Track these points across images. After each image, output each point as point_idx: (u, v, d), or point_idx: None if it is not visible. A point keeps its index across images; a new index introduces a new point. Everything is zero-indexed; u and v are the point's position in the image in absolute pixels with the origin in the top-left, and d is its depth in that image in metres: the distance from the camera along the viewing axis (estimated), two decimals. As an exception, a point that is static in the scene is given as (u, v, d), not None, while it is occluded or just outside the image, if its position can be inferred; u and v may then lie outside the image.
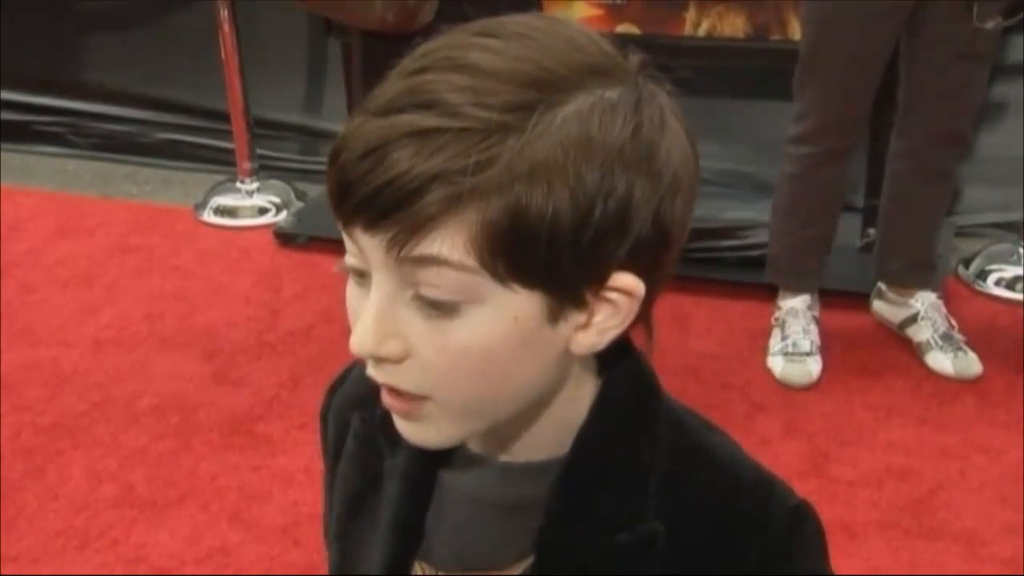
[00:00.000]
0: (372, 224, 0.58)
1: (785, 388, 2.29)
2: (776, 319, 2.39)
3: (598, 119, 0.58)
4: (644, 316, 0.64)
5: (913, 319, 2.38)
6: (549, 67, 0.59)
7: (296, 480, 2.06)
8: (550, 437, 0.67)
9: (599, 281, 0.61)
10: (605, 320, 0.62)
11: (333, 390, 0.79)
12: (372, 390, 0.68)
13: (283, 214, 3.03)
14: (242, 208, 3.06)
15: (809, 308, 2.39)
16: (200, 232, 2.99)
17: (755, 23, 2.68)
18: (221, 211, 3.06)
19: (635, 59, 0.62)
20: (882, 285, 2.45)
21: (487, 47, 0.59)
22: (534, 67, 0.58)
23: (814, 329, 2.36)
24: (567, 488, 0.66)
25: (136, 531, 1.96)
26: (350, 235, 0.61)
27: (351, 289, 0.63)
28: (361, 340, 0.61)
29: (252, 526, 1.96)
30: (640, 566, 0.65)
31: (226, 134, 3.14)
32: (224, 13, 2.96)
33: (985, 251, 2.71)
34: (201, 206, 3.08)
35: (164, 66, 3.33)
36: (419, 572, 0.71)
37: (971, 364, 2.30)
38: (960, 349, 2.32)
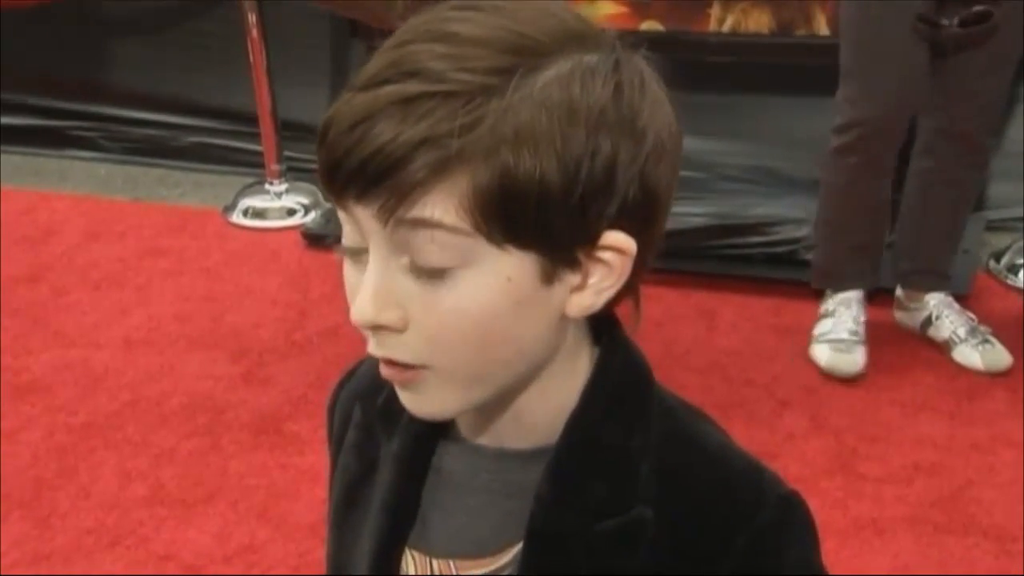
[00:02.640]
0: (363, 193, 0.60)
1: (812, 384, 2.28)
2: (826, 309, 2.37)
3: (579, 82, 0.60)
4: (634, 287, 0.65)
5: (930, 320, 2.36)
6: (527, 33, 0.60)
7: (323, 478, 2.05)
8: (542, 422, 0.67)
9: (591, 240, 0.62)
10: (600, 281, 0.63)
11: (342, 384, 0.80)
12: (375, 382, 0.69)
13: (311, 215, 3.05)
14: (270, 210, 3.09)
15: (861, 301, 2.37)
16: (229, 234, 3.02)
17: (780, 19, 2.66)
18: (250, 213, 3.09)
19: (610, 31, 0.64)
20: (899, 294, 2.43)
21: (466, 18, 0.61)
22: (513, 34, 0.60)
23: (863, 321, 2.35)
24: (557, 474, 0.66)
25: (166, 529, 1.98)
26: (344, 210, 0.62)
27: (348, 269, 0.64)
28: (362, 309, 0.62)
29: (280, 524, 1.98)
30: (628, 552, 0.66)
31: (254, 137, 3.16)
32: (252, 18, 2.99)
33: (1015, 245, 2.68)
34: (230, 208, 3.11)
35: (193, 71, 3.36)
36: (411, 559, 0.72)
37: (1000, 356, 2.28)
38: (987, 342, 2.30)
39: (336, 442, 0.78)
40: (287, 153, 3.16)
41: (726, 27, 2.70)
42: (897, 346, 2.38)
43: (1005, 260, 2.66)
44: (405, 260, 0.61)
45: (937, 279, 2.39)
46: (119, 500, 2.05)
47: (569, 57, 0.60)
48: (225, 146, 3.37)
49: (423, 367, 0.63)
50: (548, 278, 0.62)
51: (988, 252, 2.69)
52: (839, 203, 2.32)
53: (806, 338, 2.39)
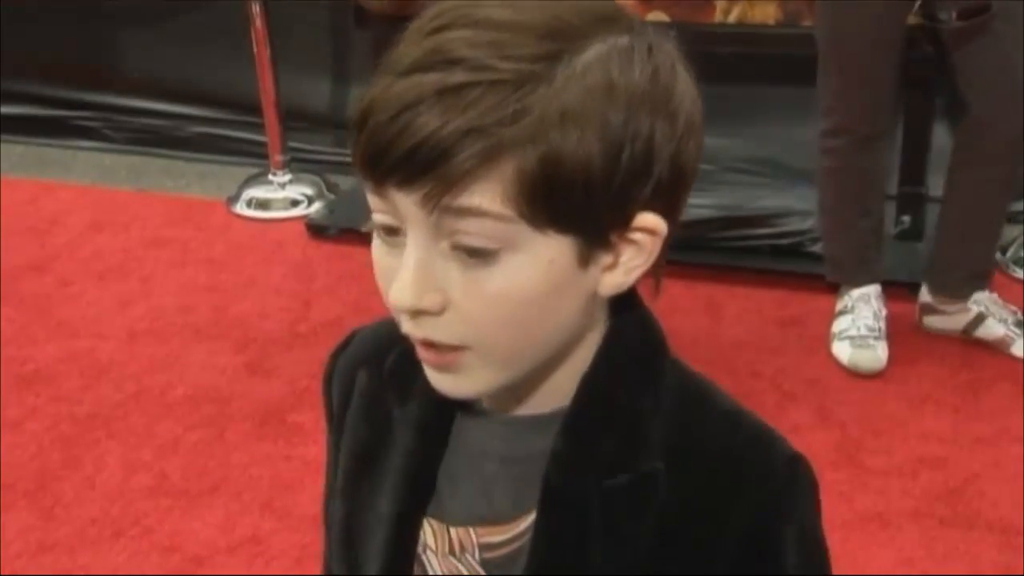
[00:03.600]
0: (407, 182, 0.60)
1: (817, 377, 2.27)
2: (844, 306, 2.36)
3: (617, 65, 0.61)
4: (659, 260, 0.66)
5: (979, 320, 2.33)
6: (563, 17, 0.61)
7: (328, 470, 2.07)
8: (558, 388, 0.68)
9: (625, 222, 0.63)
10: (631, 260, 0.65)
11: (336, 355, 0.80)
12: (379, 347, 0.70)
13: (315, 206, 3.05)
14: (274, 200, 3.08)
15: (879, 296, 2.36)
16: (233, 224, 3.01)
17: (786, 9, 2.65)
18: (254, 203, 3.08)
19: (635, 15, 0.65)
20: (930, 300, 2.37)
21: (498, 3, 0.61)
22: (549, 18, 0.60)
23: (884, 316, 2.33)
24: (571, 432, 0.67)
25: (170, 520, 1.98)
26: (381, 194, 0.62)
27: (379, 247, 0.65)
28: (401, 294, 0.62)
29: (284, 515, 1.98)
30: (640, 509, 0.66)
31: (258, 127, 3.16)
32: (256, 8, 2.98)
33: (1021, 238, 2.68)
34: (234, 199, 3.11)
35: (197, 61, 3.36)
36: (429, 529, 0.72)
37: None
38: None
39: (338, 412, 0.78)
40: (291, 144, 3.16)
41: (732, 18, 2.69)
42: (903, 340, 2.37)
43: (1011, 252, 2.65)
44: (445, 244, 0.61)
45: (982, 280, 2.36)
46: (123, 491, 2.05)
47: (604, 40, 0.61)
48: (229, 136, 3.37)
49: (462, 348, 0.63)
50: (584, 260, 0.63)
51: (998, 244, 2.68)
52: (837, 186, 2.32)
53: (812, 330, 2.39)
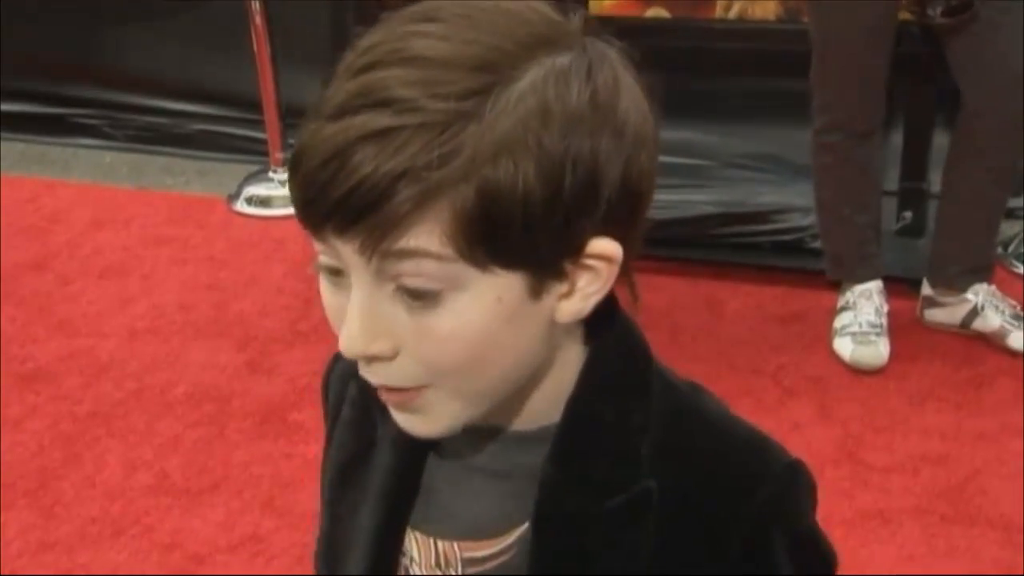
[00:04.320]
0: (344, 229, 0.58)
1: (818, 374, 2.27)
2: (846, 302, 2.35)
3: (553, 89, 0.59)
4: (626, 275, 0.64)
5: (975, 312, 2.32)
6: (497, 45, 0.59)
7: (328, 467, 2.07)
8: (542, 406, 0.67)
9: (577, 251, 0.61)
10: (587, 286, 0.63)
11: (333, 363, 0.79)
12: None
13: (316, 203, 3.04)
14: (275, 198, 3.08)
15: (881, 292, 2.36)
16: (234, 222, 3.01)
17: (787, 5, 2.65)
18: (254, 201, 3.08)
19: (576, 18, 0.62)
20: (930, 292, 2.38)
21: (430, 33, 0.59)
22: (482, 48, 0.58)
23: (886, 312, 2.33)
24: (560, 456, 0.66)
25: (170, 518, 1.98)
26: (321, 240, 0.60)
27: (326, 288, 0.63)
28: (351, 343, 0.61)
29: (285, 513, 1.98)
30: (636, 526, 0.66)
31: (259, 125, 3.16)
32: (256, 5, 2.98)
33: (1023, 233, 2.67)
34: (235, 196, 3.10)
35: (197, 58, 3.35)
36: (415, 540, 0.71)
37: None
38: None
39: (332, 418, 0.78)
40: (292, 141, 3.14)
41: (732, 14, 2.68)
42: (904, 336, 2.36)
43: (1012, 247, 2.65)
44: (391, 287, 0.60)
45: (983, 272, 2.36)
46: (124, 489, 2.05)
47: (541, 63, 0.59)
48: (230, 134, 3.37)
49: (422, 387, 0.63)
50: (536, 292, 0.61)
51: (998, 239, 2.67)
52: (834, 182, 2.32)
53: (813, 327, 2.38)
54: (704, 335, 2.38)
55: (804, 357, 2.32)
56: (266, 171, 3.14)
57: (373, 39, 0.60)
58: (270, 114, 3.09)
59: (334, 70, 0.62)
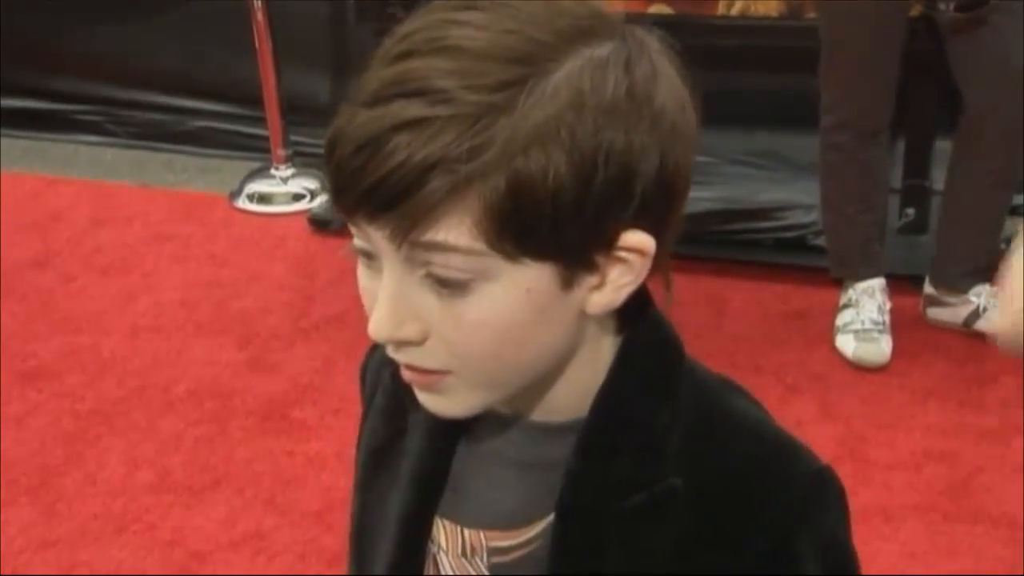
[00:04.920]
0: (375, 216, 0.59)
1: (821, 371, 2.27)
2: (848, 299, 2.35)
3: (588, 80, 0.58)
4: (661, 267, 0.64)
5: (977, 313, 2.32)
6: (535, 37, 0.58)
7: (330, 465, 2.07)
8: (571, 398, 0.67)
9: (609, 243, 0.61)
10: (619, 278, 0.63)
11: (372, 349, 0.79)
12: None
13: (317, 200, 3.04)
14: (277, 195, 3.08)
15: (884, 289, 2.35)
16: (235, 219, 3.01)
17: (789, 2, 2.64)
18: (256, 198, 3.08)
19: (619, 16, 0.62)
20: (932, 291, 2.37)
21: (467, 22, 0.59)
22: (520, 39, 0.58)
23: (888, 309, 2.33)
24: (586, 451, 0.66)
25: (172, 516, 1.98)
26: (354, 225, 0.61)
27: (362, 271, 0.64)
28: (379, 327, 0.61)
29: (287, 511, 1.97)
30: (658, 525, 0.65)
31: (260, 122, 3.15)
32: (257, 2, 2.97)
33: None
34: (236, 193, 3.10)
35: (199, 55, 3.35)
36: (442, 528, 0.72)
37: None
38: None
39: (366, 405, 0.78)
40: (293, 138, 3.15)
41: (735, 11, 2.68)
42: (906, 333, 2.36)
43: (1014, 244, 2.64)
44: (421, 272, 0.60)
45: (984, 273, 2.35)
46: (126, 486, 2.05)
47: (579, 54, 0.59)
48: (231, 131, 3.36)
49: (445, 371, 0.63)
50: (567, 283, 0.61)
51: (1001, 237, 2.67)
52: (840, 181, 2.32)
53: (816, 324, 2.38)
54: (706, 332, 2.37)
55: (806, 354, 2.31)
56: (268, 168, 3.13)
57: (412, 26, 0.60)
58: (272, 111, 3.08)
59: (339, 66, 0.61)
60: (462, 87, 0.56)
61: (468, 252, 0.58)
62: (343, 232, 2.68)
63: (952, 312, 2.35)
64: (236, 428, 2.19)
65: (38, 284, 2.70)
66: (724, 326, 2.42)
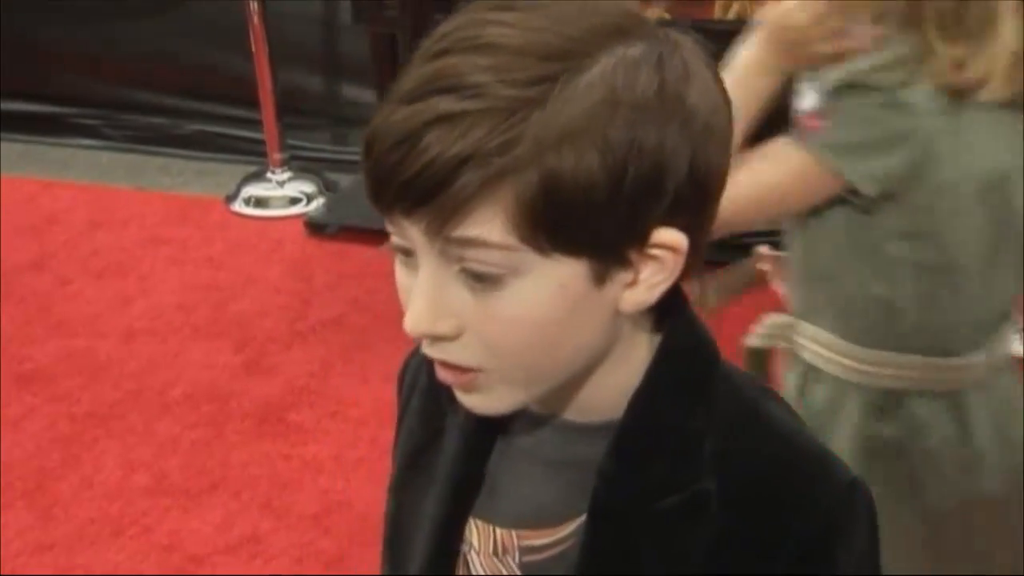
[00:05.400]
0: (410, 211, 0.60)
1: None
2: None
3: (621, 78, 0.59)
4: (695, 267, 0.64)
5: None
6: (568, 34, 0.59)
7: (327, 468, 2.07)
8: (606, 399, 0.67)
9: (641, 239, 0.61)
10: (652, 276, 0.63)
11: (413, 353, 0.79)
12: None
13: (314, 204, 3.05)
14: (273, 198, 3.08)
15: None
16: (232, 222, 3.01)
17: (786, 6, 2.65)
18: (252, 201, 3.08)
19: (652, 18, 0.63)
20: None
21: (504, 22, 0.60)
22: (553, 37, 0.59)
23: None
24: (620, 453, 0.66)
25: (169, 519, 1.97)
26: (391, 222, 0.62)
27: (399, 268, 0.65)
28: (416, 321, 0.62)
29: (283, 514, 1.98)
30: (690, 529, 0.65)
31: (257, 125, 3.15)
32: (254, 5, 2.98)
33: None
34: (233, 197, 3.10)
35: (195, 59, 3.35)
36: (475, 528, 0.72)
37: None
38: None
39: (403, 407, 0.79)
40: (290, 141, 3.16)
41: (732, 14, 2.68)
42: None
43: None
44: (456, 268, 0.61)
45: None
46: (122, 490, 2.05)
47: (612, 53, 0.60)
48: (228, 134, 3.36)
49: (480, 370, 0.63)
50: (600, 280, 0.62)
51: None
52: None
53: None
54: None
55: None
56: (264, 172, 3.14)
57: (449, 26, 0.61)
58: (268, 115, 3.08)
59: (336, 70, 0.62)
60: (496, 82, 0.58)
61: (501, 247, 0.59)
62: (339, 236, 2.68)
63: None
64: (233, 431, 2.19)
65: (34, 287, 2.70)
66: (722, 329, 2.41)
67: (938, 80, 1.03)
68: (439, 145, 0.57)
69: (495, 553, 0.71)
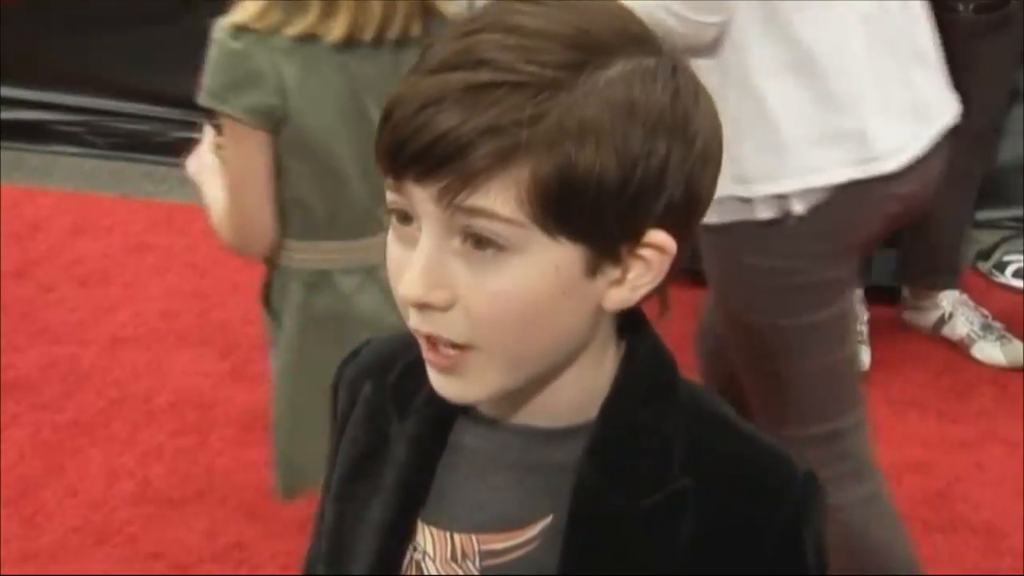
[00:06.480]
0: (424, 176, 0.61)
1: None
2: None
3: (640, 83, 0.62)
4: (666, 282, 0.67)
5: (943, 319, 2.36)
6: (592, 31, 0.62)
7: (312, 476, 2.07)
8: (571, 402, 0.70)
9: (636, 237, 0.65)
10: (638, 277, 0.66)
11: (346, 363, 0.81)
12: (384, 361, 0.73)
13: (299, 211, 3.05)
14: (258, 206, 3.07)
15: (861, 300, 2.38)
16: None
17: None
18: (237, 209, 3.07)
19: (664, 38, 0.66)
20: (907, 294, 2.42)
21: (533, 12, 0.63)
22: (579, 30, 0.62)
23: (866, 320, 2.35)
24: (598, 457, 0.68)
25: (154, 527, 1.97)
26: (400, 189, 0.63)
27: (393, 242, 0.66)
28: (411, 286, 0.63)
29: (269, 521, 1.97)
30: (672, 525, 0.68)
31: (242, 132, 3.14)
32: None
33: (1004, 243, 2.69)
34: (217, 204, 3.09)
35: (180, 65, 3.34)
36: (429, 535, 0.73)
37: (1019, 352, 2.29)
38: (1003, 337, 2.32)
39: (342, 417, 0.79)
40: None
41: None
42: (885, 344, 2.38)
43: (994, 258, 2.67)
44: (457, 241, 0.63)
45: (950, 276, 2.38)
46: (106, 498, 2.04)
47: (631, 58, 0.63)
48: (212, 141, 3.35)
49: (466, 347, 0.65)
50: (592, 271, 0.64)
51: (975, 249, 2.70)
52: None
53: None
54: (687, 343, 2.38)
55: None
56: (249, 179, 3.13)
57: (479, 12, 0.64)
58: (253, 122, 3.08)
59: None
60: (524, 60, 0.60)
61: (509, 221, 0.61)
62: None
63: (923, 316, 2.40)
64: (218, 439, 2.18)
65: (17, 295, 2.69)
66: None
67: (300, 28, 1.33)
68: (463, 114, 0.59)
69: (453, 559, 0.72)
